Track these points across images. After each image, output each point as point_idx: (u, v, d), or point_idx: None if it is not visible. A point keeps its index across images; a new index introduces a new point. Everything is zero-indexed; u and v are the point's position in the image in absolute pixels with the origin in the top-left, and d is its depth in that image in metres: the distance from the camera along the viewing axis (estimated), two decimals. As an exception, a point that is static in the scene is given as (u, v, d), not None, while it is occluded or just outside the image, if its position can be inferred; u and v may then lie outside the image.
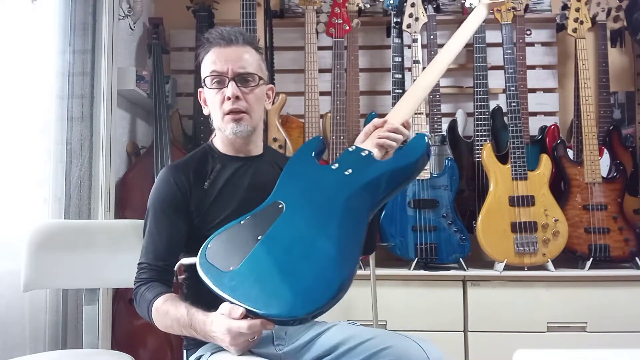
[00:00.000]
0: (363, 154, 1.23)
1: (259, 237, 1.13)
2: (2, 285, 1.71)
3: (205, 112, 1.38)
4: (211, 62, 1.30)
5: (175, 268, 1.24)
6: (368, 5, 2.69)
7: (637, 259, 2.30)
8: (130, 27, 2.54)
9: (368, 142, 1.26)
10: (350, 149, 1.25)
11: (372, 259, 2.05)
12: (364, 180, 1.18)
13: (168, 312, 1.16)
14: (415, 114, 2.35)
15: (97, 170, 2.11)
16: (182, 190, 1.29)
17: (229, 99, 1.28)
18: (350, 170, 1.20)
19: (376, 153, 1.23)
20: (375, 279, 2.04)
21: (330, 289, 1.07)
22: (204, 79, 1.32)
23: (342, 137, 2.41)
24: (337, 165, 1.23)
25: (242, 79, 1.30)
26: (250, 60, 1.32)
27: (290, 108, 2.55)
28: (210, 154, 1.37)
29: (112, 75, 2.19)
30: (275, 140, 2.39)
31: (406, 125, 1.27)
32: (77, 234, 1.62)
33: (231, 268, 1.10)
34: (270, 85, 1.42)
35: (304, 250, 1.12)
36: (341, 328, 1.24)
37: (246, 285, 1.08)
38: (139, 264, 1.28)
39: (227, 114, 1.29)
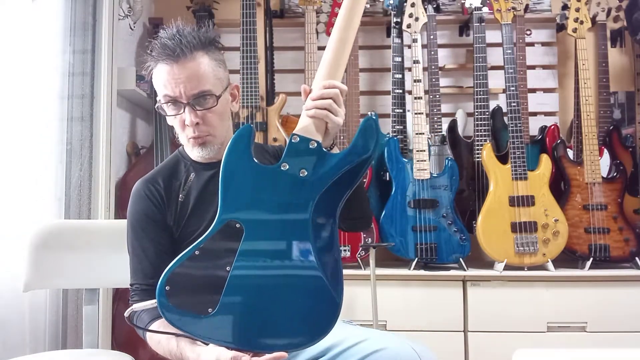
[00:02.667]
0: (311, 146, 1.08)
1: (228, 268, 1.02)
2: (2, 285, 1.71)
3: (168, 121, 1.28)
4: (162, 84, 1.19)
5: (126, 315, 1.16)
6: (368, 5, 2.68)
7: (637, 259, 2.30)
8: (130, 27, 2.54)
9: (302, 119, 1.12)
10: (294, 140, 1.08)
11: (372, 259, 2.05)
12: (325, 181, 1.06)
13: (160, 342, 1.15)
14: (416, 113, 2.36)
15: (97, 170, 2.11)
16: (157, 205, 1.24)
17: (188, 126, 1.20)
18: (305, 172, 1.06)
19: (316, 125, 1.10)
20: (375, 279, 2.04)
21: (333, 310, 1.05)
22: (159, 106, 1.22)
23: (342, 137, 2.41)
24: (286, 165, 1.07)
25: (198, 101, 1.19)
26: (204, 73, 1.20)
27: (290, 108, 2.55)
28: (182, 162, 1.31)
29: (112, 75, 2.19)
30: (275, 140, 2.39)
31: (328, 86, 1.11)
32: (77, 234, 1.62)
33: (209, 310, 1.01)
34: (234, 85, 1.31)
35: (286, 275, 1.04)
36: (334, 328, 1.23)
37: (237, 327, 1.02)
38: (130, 284, 1.25)
39: (189, 137, 1.23)
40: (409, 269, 2.25)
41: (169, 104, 1.21)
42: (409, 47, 2.45)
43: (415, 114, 2.36)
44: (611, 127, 2.52)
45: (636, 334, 2.13)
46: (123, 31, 2.45)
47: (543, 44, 2.74)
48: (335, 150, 1.14)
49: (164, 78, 1.19)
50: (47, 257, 1.55)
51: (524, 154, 2.30)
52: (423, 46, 2.49)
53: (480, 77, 2.42)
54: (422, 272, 2.25)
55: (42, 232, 1.58)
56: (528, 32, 2.68)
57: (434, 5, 2.53)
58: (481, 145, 2.37)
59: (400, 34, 2.51)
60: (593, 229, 2.32)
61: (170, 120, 1.26)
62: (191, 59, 1.19)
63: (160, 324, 1.15)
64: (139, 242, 1.24)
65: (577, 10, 2.43)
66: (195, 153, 1.26)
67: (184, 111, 1.20)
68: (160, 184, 1.27)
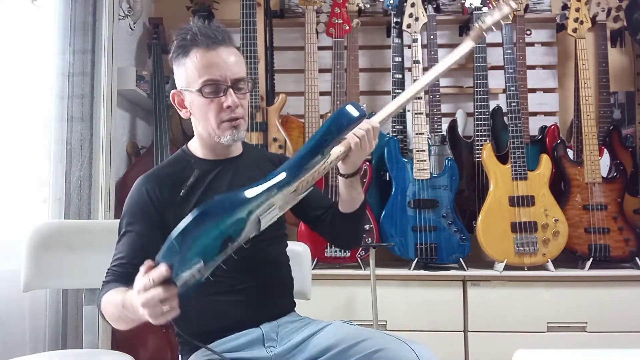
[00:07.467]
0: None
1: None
2: (2, 285, 1.71)
3: (184, 115, 1.30)
4: (203, 67, 1.21)
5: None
6: (368, 5, 2.68)
7: (637, 259, 2.30)
8: (130, 27, 2.54)
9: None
10: None
11: (372, 258, 2.05)
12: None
13: (109, 300, 1.13)
14: (416, 113, 2.36)
15: (97, 170, 2.11)
16: (154, 202, 1.24)
17: (228, 107, 1.22)
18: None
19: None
20: (375, 279, 2.04)
21: None
22: (201, 88, 1.21)
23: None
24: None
25: (237, 85, 1.23)
26: (240, 62, 1.26)
27: (290, 108, 2.55)
28: (186, 160, 1.31)
29: (112, 75, 2.19)
30: (275, 140, 2.39)
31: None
32: (77, 234, 1.62)
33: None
34: None
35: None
36: (334, 329, 1.23)
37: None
38: (107, 270, 1.24)
39: (225, 121, 1.23)
40: (409, 269, 2.25)
41: (207, 87, 1.22)
42: (409, 47, 2.45)
43: (415, 114, 2.36)
44: (611, 127, 2.52)
45: (636, 334, 2.13)
46: (123, 31, 2.45)
47: (543, 44, 2.74)
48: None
49: (206, 61, 1.21)
50: (46, 257, 1.56)
51: (524, 154, 2.30)
52: (423, 46, 2.49)
53: (480, 77, 2.42)
54: (422, 272, 2.25)
55: (42, 232, 1.58)
56: (528, 32, 2.68)
57: (434, 5, 2.53)
58: (481, 145, 2.36)
59: (400, 34, 2.51)
60: (593, 229, 2.32)
61: (201, 109, 1.24)
62: (229, 45, 1.25)
63: (111, 287, 1.14)
64: (127, 233, 1.25)
65: (577, 10, 2.43)
66: (227, 137, 1.25)
67: (224, 94, 1.22)
68: (161, 183, 1.27)
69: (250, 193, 1.03)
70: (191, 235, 0.96)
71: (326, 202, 1.39)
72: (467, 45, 1.27)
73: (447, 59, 1.27)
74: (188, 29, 1.23)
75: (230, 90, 1.22)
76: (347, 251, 2.30)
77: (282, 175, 1.07)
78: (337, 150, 1.16)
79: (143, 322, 1.05)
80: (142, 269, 0.96)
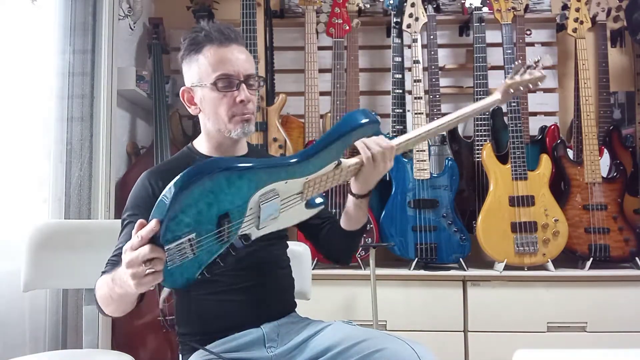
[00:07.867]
0: None
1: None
2: (2, 285, 1.71)
3: (193, 112, 1.31)
4: (217, 62, 1.24)
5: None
6: (368, 5, 2.69)
7: (637, 259, 2.30)
8: (130, 27, 2.54)
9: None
10: None
11: (372, 258, 2.05)
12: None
13: (102, 281, 1.13)
14: (416, 113, 2.36)
15: (97, 170, 2.11)
16: (156, 194, 1.18)
17: (241, 102, 1.24)
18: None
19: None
20: (375, 279, 2.04)
21: None
22: (215, 82, 1.23)
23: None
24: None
25: (248, 82, 1.26)
26: (250, 60, 1.29)
27: (290, 108, 2.55)
28: (191, 157, 1.33)
29: (112, 75, 2.19)
30: (275, 140, 2.39)
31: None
32: (77, 234, 1.62)
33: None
34: None
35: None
36: (334, 329, 1.23)
37: None
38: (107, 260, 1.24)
39: (236, 115, 1.26)
40: (409, 269, 2.25)
41: (221, 81, 1.24)
42: (409, 47, 2.45)
43: (415, 114, 2.36)
44: (611, 127, 2.52)
45: (636, 334, 2.13)
46: (123, 31, 2.45)
47: (543, 44, 2.74)
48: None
49: (221, 57, 1.25)
50: (47, 257, 1.56)
51: (524, 154, 2.30)
52: (423, 46, 2.49)
53: (480, 77, 2.42)
54: (422, 272, 2.25)
55: (41, 232, 1.58)
56: (528, 32, 2.68)
57: (434, 5, 2.53)
58: (481, 145, 2.36)
59: (400, 34, 2.51)
60: (593, 229, 2.32)
61: (212, 103, 1.26)
62: (241, 44, 1.29)
63: (102, 278, 1.14)
64: (128, 224, 1.25)
65: (577, 10, 2.43)
66: (238, 130, 1.27)
67: (237, 89, 1.25)
68: (164, 178, 1.26)
69: (249, 162, 1.01)
70: (185, 192, 0.94)
71: (326, 213, 1.39)
72: (494, 96, 1.35)
73: (475, 105, 1.32)
74: (200, 28, 1.27)
75: (243, 85, 1.25)
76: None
77: (291, 159, 1.07)
78: (349, 162, 1.16)
79: (131, 299, 1.07)
80: (133, 230, 0.95)
